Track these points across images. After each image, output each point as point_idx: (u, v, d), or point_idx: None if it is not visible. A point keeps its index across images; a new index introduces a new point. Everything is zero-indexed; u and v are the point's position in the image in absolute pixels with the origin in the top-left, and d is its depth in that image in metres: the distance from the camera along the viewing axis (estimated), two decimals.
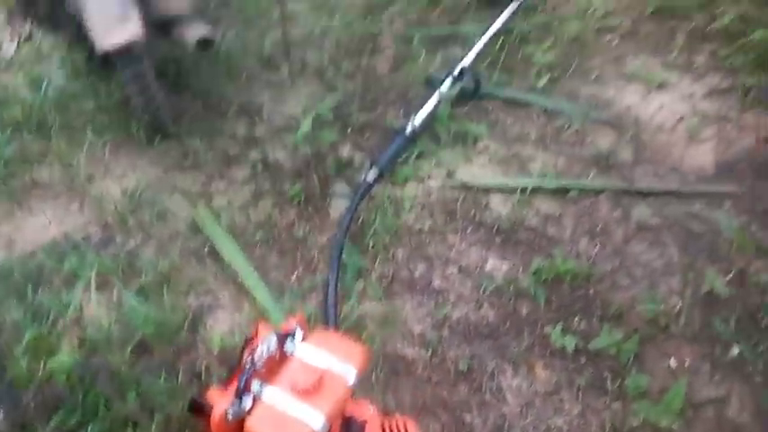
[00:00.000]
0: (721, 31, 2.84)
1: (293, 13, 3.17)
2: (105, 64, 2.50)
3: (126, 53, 2.12)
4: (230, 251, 2.02)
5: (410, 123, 2.37)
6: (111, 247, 2.06)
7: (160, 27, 2.41)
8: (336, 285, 1.82)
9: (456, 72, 2.57)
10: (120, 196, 2.26)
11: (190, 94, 2.75)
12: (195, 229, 2.13)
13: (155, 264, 1.98)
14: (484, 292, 1.86)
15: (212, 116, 2.64)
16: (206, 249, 2.05)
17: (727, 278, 1.85)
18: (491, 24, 2.84)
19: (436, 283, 1.92)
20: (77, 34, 2.33)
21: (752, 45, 2.70)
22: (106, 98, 2.65)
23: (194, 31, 2.35)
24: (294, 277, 1.98)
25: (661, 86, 2.62)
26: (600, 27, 2.96)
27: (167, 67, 2.78)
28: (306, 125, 2.39)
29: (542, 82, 2.67)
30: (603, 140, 2.39)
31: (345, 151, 2.43)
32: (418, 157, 2.36)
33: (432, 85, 2.61)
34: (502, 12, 2.92)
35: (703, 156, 2.30)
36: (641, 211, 2.09)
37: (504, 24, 2.88)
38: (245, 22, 3.13)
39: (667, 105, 2.53)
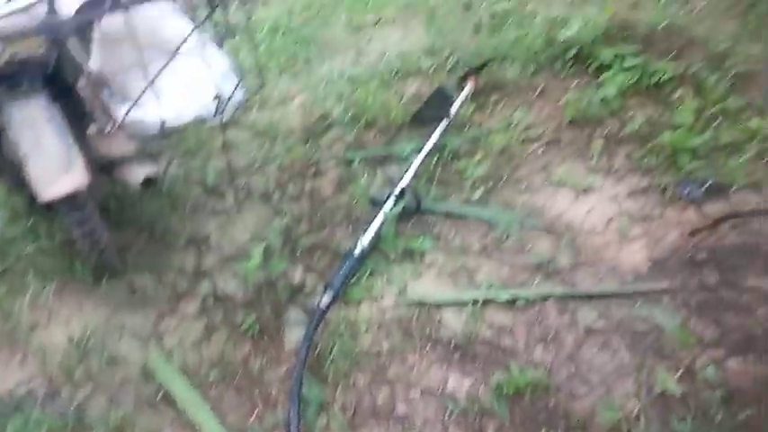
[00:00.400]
0: (633, 135, 3.10)
1: (234, 142, 3.27)
2: (47, 207, 2.48)
3: (69, 200, 2.12)
4: (185, 395, 1.96)
5: (359, 244, 2.44)
6: (57, 403, 1.96)
7: (103, 168, 2.44)
8: (299, 424, 1.78)
9: (397, 191, 2.69)
10: (66, 344, 2.17)
11: (134, 229, 2.74)
12: (148, 373, 2.06)
13: (106, 417, 1.89)
14: (449, 415, 1.86)
15: (159, 250, 2.63)
16: (160, 395, 1.98)
17: (677, 375, 1.93)
18: (424, 142, 3.02)
19: (400, 408, 1.91)
20: (17, 180, 2.32)
21: (661, 146, 2.96)
22: (48, 240, 2.60)
23: (138, 171, 2.38)
24: (254, 417, 1.93)
25: (587, 190, 2.81)
26: (524, 138, 3.18)
27: (109, 202, 2.78)
28: (256, 256, 2.41)
29: (478, 194, 2.81)
30: (542, 247, 2.52)
31: (297, 276, 2.46)
32: (370, 275, 2.40)
33: (376, 204, 2.72)
34: (433, 130, 3.11)
35: (636, 254, 2.46)
36: (587, 315, 2.19)
37: (437, 142, 3.06)
38: (187, 152, 3.20)
39: (596, 208, 2.71)
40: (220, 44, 2.60)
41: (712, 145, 2.93)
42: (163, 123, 2.43)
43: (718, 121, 3.05)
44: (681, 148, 2.90)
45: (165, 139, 3.12)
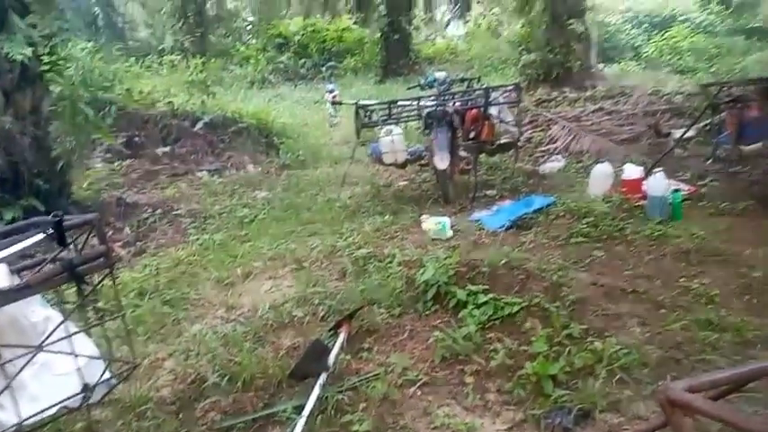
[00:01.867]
0: (499, 368, 3.31)
1: (98, 422, 2.99)
2: None
3: None
4: None
5: None
6: None
7: None
8: None
9: None
10: None
11: None
12: None
13: None
14: None
15: None
16: None
17: None
18: (305, 399, 2.98)
19: None
20: None
21: (527, 376, 3.16)
22: None
23: None
24: None
25: None
26: (402, 382, 3.27)
27: None
28: None
29: None
30: None
31: None
32: None
33: None
34: (313, 384, 3.10)
35: None
36: None
37: (318, 396, 3.04)
38: None
39: None
40: (87, 331, 2.54)
41: (569, 370, 3.21)
42: (20, 423, 2.22)
43: (568, 347, 3.38)
44: (543, 375, 3.13)
45: None
